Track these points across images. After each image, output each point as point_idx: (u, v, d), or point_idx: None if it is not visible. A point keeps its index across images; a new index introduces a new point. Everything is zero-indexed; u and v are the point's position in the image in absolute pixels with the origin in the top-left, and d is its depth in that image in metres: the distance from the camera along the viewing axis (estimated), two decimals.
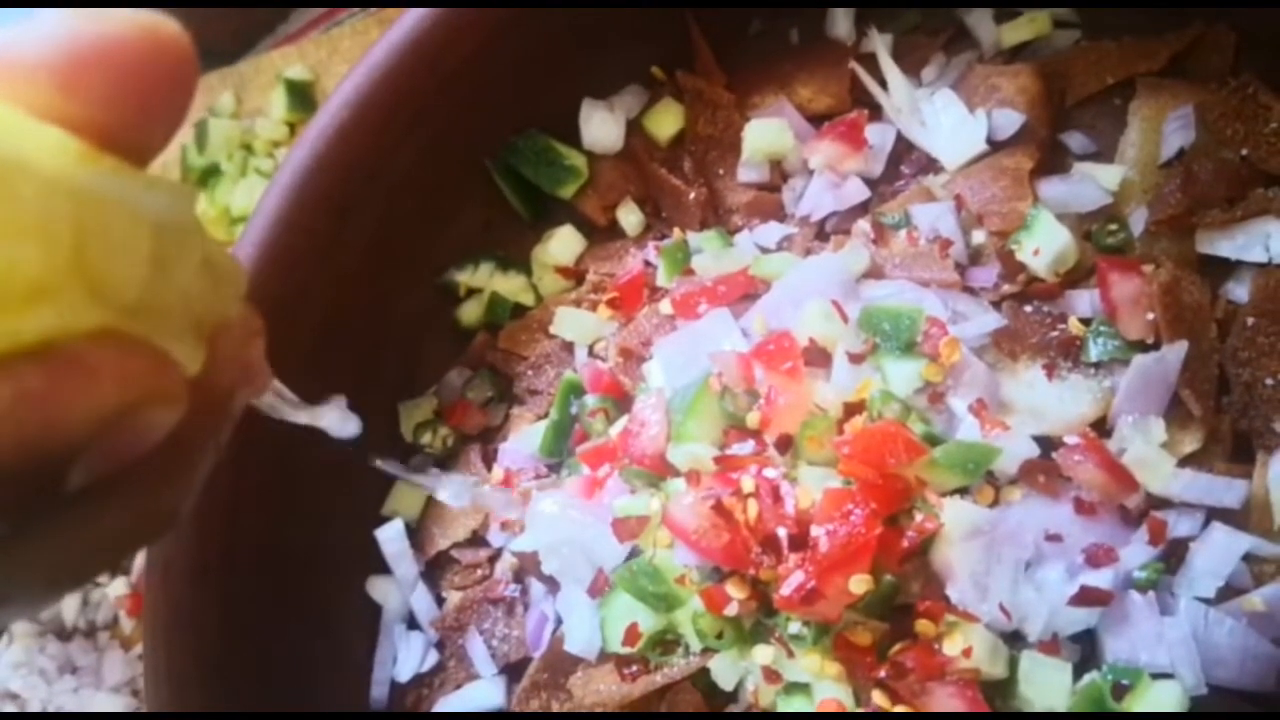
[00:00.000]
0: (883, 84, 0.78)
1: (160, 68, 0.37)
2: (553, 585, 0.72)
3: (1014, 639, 0.60)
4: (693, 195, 0.79)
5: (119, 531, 0.40)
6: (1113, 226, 0.70)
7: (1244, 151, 0.68)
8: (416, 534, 0.81)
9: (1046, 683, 0.59)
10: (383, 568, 0.80)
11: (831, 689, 0.60)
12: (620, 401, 0.74)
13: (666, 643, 0.66)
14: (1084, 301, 0.68)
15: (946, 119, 0.75)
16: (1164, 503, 0.63)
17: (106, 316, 0.35)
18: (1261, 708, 0.60)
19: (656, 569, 0.65)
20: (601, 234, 0.84)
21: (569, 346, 0.81)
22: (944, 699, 0.58)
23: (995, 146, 0.74)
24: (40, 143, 0.34)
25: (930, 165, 0.76)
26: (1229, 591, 0.61)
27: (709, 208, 0.80)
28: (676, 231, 0.79)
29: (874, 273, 0.71)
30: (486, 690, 0.75)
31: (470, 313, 0.85)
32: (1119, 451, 0.63)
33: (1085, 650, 0.61)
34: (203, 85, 1.16)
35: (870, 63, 0.79)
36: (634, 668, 0.67)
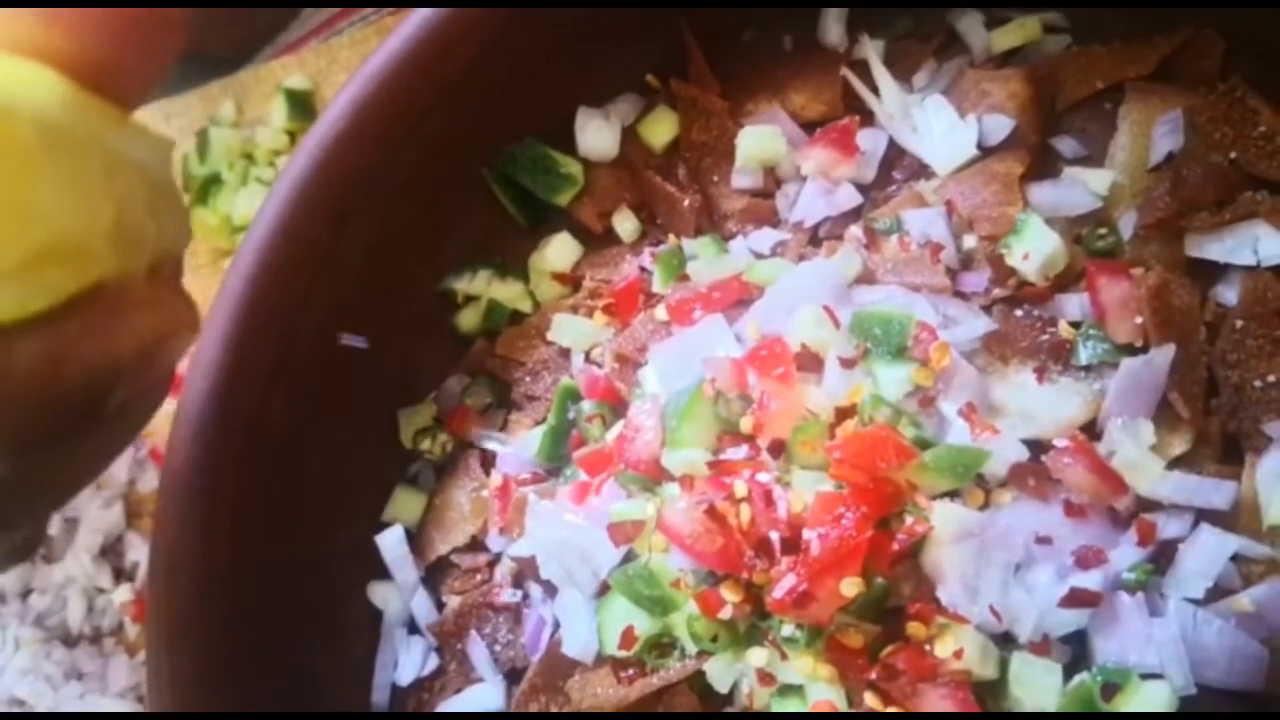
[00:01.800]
0: (875, 90, 0.79)
1: None
2: (551, 589, 0.73)
3: (1004, 640, 0.61)
4: (687, 202, 0.80)
5: (128, 431, 0.46)
6: (1102, 230, 0.71)
7: (1232, 155, 0.69)
8: (416, 539, 0.82)
9: (1037, 683, 0.59)
10: (383, 573, 0.81)
11: (824, 691, 0.61)
12: (616, 407, 0.75)
13: (662, 646, 0.67)
14: (1074, 305, 0.69)
15: (938, 124, 0.75)
16: (1153, 504, 0.64)
17: (139, 262, 0.41)
18: (1250, 708, 0.61)
19: (652, 573, 0.66)
20: (598, 241, 0.84)
21: (566, 352, 0.81)
22: (935, 700, 0.59)
23: (986, 152, 0.74)
24: (77, 106, 0.38)
25: (922, 171, 0.77)
26: (1218, 592, 0.61)
27: (704, 214, 0.81)
28: (671, 238, 0.80)
29: (866, 278, 0.72)
30: (486, 694, 0.76)
31: (468, 319, 0.86)
32: (1108, 454, 0.64)
33: (1075, 651, 0.62)
34: (203, 95, 1.17)
35: (862, 69, 0.80)
36: (630, 671, 0.67)
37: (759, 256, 0.77)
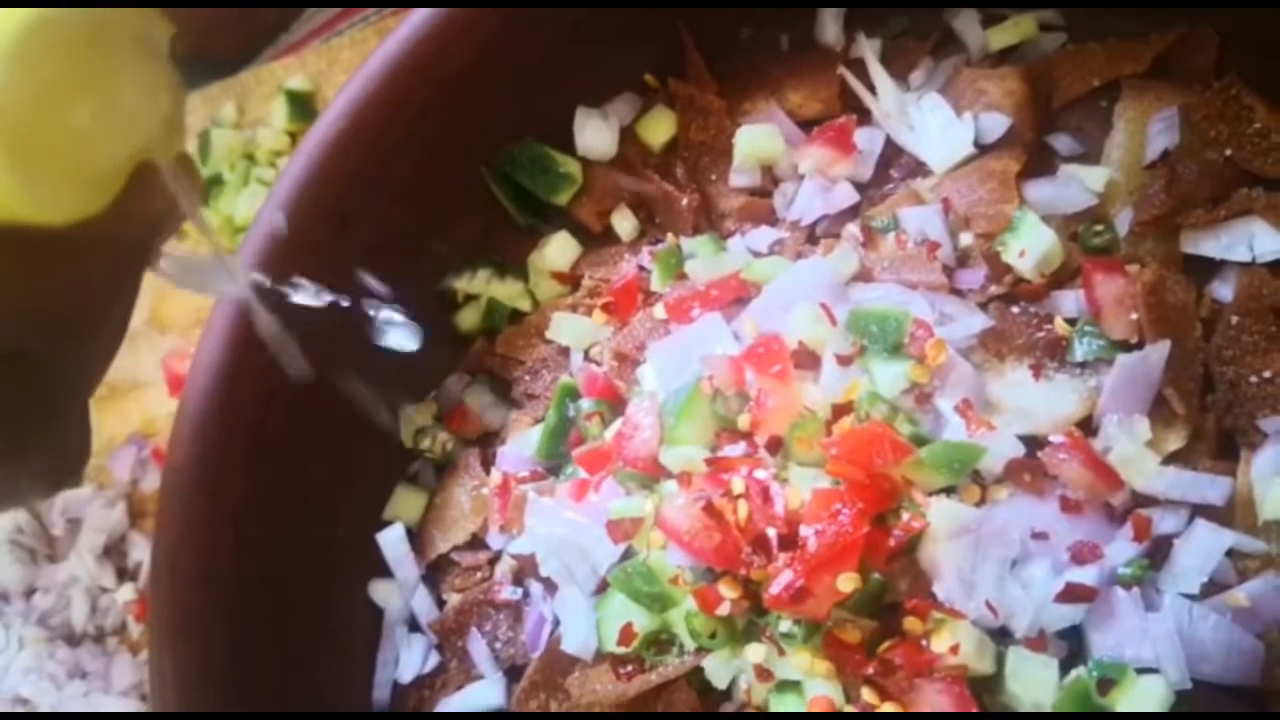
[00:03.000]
0: (871, 89, 0.79)
1: None
2: (551, 587, 0.73)
3: (1001, 635, 0.61)
4: (685, 201, 0.80)
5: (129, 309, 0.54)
6: (1098, 227, 0.71)
7: (1228, 152, 0.69)
8: (417, 538, 0.82)
9: (1033, 678, 0.60)
10: (384, 571, 0.81)
11: (822, 686, 0.61)
12: (615, 405, 0.75)
13: (661, 642, 0.67)
14: (1069, 302, 0.69)
15: (934, 123, 0.76)
16: (1149, 500, 0.64)
17: (179, 139, 0.49)
18: (1246, 702, 0.61)
19: (651, 569, 0.66)
20: (596, 240, 0.85)
21: (565, 351, 0.82)
22: (932, 695, 0.59)
23: (982, 149, 0.75)
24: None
25: (918, 169, 0.77)
26: (1213, 587, 0.61)
27: (701, 213, 0.81)
28: (670, 237, 0.80)
29: (863, 276, 0.72)
30: (487, 691, 0.76)
31: (468, 318, 0.86)
32: (1104, 450, 0.64)
33: (1072, 646, 0.62)
34: (205, 96, 1.18)
35: (859, 68, 0.80)
36: (629, 667, 0.68)
37: (757, 255, 0.78)
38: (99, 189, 0.45)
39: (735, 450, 0.66)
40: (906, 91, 0.79)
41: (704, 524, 0.63)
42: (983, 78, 0.76)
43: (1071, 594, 0.60)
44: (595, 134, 0.83)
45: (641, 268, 0.80)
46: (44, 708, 0.98)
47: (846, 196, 0.77)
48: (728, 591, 0.63)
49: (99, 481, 1.09)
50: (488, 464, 0.82)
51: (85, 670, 1.00)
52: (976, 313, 0.69)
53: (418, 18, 0.77)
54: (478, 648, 0.76)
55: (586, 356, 0.80)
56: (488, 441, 0.84)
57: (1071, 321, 0.69)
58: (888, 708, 0.60)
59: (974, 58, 0.79)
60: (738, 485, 0.63)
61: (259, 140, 1.13)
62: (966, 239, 0.72)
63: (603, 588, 0.69)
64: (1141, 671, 0.59)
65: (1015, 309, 0.70)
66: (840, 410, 0.65)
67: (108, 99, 0.42)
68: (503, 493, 0.77)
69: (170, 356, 1.09)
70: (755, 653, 0.63)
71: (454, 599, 0.79)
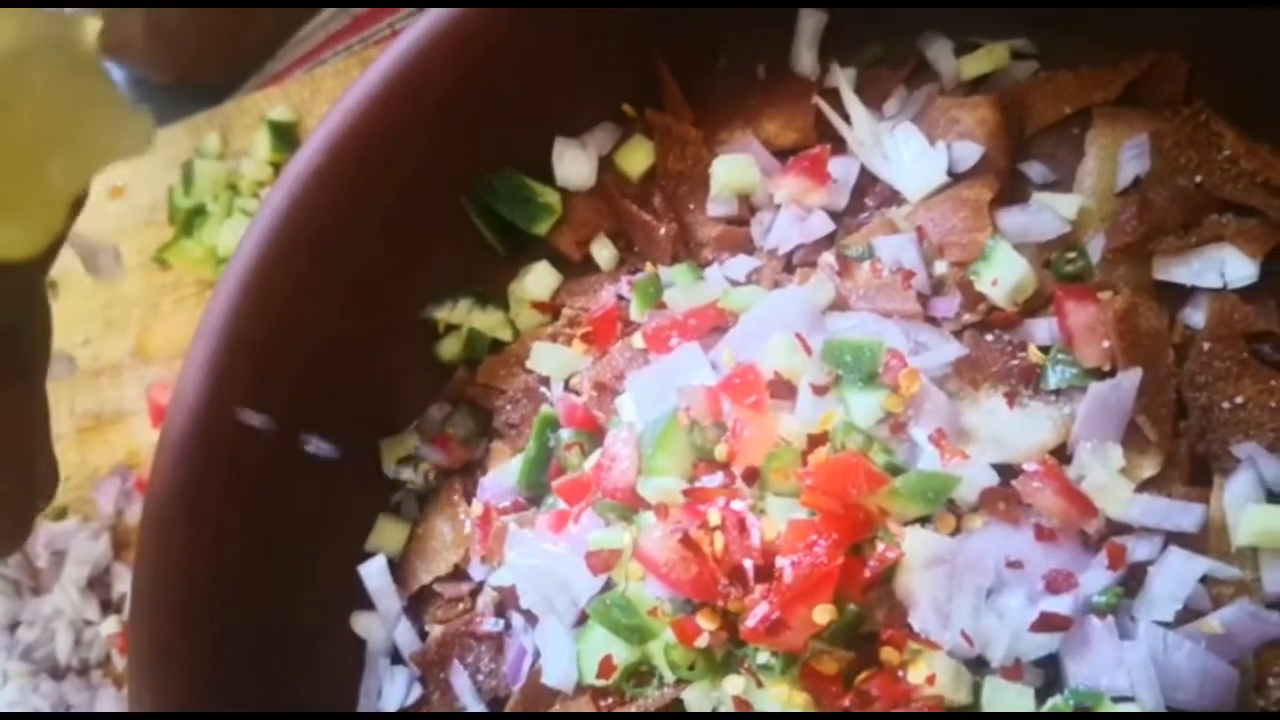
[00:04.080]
0: (846, 118, 0.80)
1: None
2: (532, 618, 0.73)
3: (977, 665, 0.61)
4: (663, 230, 0.81)
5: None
6: (1071, 255, 0.72)
7: (1198, 178, 0.70)
8: (399, 569, 0.82)
9: (1010, 708, 0.60)
10: (367, 603, 0.81)
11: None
12: (595, 435, 0.75)
13: (641, 674, 0.67)
14: (1043, 329, 0.69)
15: (908, 151, 0.76)
16: (1123, 528, 0.64)
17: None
18: None
19: (629, 601, 0.66)
20: (576, 269, 0.85)
21: (546, 381, 0.82)
22: None
23: (956, 178, 0.75)
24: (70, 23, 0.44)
25: (893, 197, 0.78)
26: (1188, 614, 0.61)
27: (680, 242, 0.81)
28: (648, 266, 0.81)
29: (839, 305, 0.73)
30: None
31: (449, 348, 0.86)
32: (1078, 478, 0.64)
33: (1048, 675, 0.62)
34: (189, 126, 1.18)
35: (834, 97, 0.81)
36: (610, 700, 0.68)
37: (734, 284, 0.78)
38: (64, 212, 0.46)
39: (712, 481, 0.66)
40: (881, 120, 0.80)
41: (681, 556, 0.63)
42: (955, 106, 0.77)
43: (1047, 623, 0.60)
44: (574, 164, 0.84)
45: (620, 297, 0.81)
46: None
47: (822, 225, 0.78)
48: (706, 623, 0.63)
49: (83, 513, 1.09)
50: (469, 494, 0.82)
51: (70, 704, 1.00)
52: (951, 341, 0.69)
53: (398, 49, 0.77)
54: (460, 680, 0.76)
55: (567, 386, 0.80)
56: (469, 471, 0.84)
57: (1045, 349, 0.69)
58: None
59: (947, 86, 0.80)
60: (714, 517, 0.63)
61: (242, 171, 1.13)
62: (941, 267, 0.73)
63: (583, 620, 0.69)
64: (1117, 700, 0.59)
65: (989, 337, 0.70)
66: (816, 440, 0.65)
67: (72, 144, 0.43)
68: (484, 524, 0.77)
69: (154, 387, 1.09)
70: (734, 684, 0.63)
71: (436, 630, 0.79)
